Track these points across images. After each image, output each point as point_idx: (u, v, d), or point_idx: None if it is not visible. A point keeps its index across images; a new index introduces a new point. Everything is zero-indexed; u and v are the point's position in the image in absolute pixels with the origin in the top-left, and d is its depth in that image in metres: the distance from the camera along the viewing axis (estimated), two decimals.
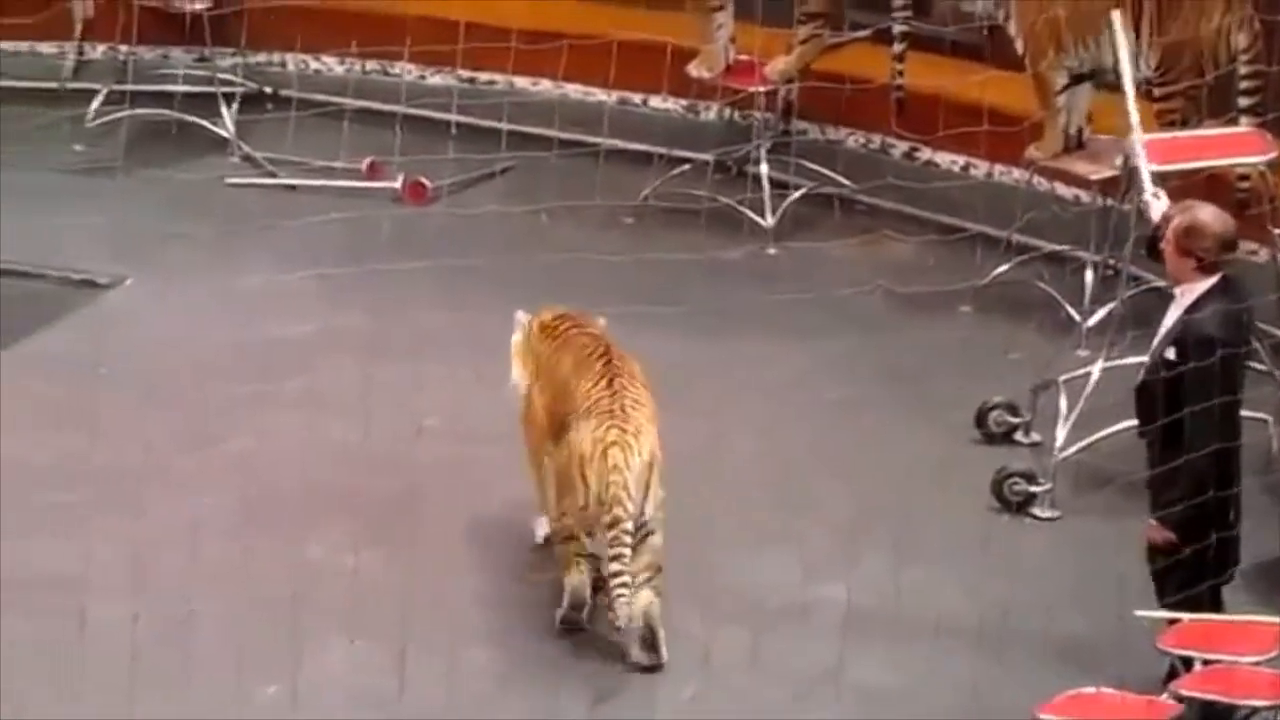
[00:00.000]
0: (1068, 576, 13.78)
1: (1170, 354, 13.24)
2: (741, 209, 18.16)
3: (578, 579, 14.43)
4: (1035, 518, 14.34)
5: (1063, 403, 14.81)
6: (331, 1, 20.90)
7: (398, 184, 19.63)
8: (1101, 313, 15.80)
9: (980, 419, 15.18)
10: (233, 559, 13.66)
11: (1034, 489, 14.44)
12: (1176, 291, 13.43)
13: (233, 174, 19.99)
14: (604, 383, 14.73)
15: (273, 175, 20.03)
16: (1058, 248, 17.11)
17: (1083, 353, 15.37)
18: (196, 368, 16.28)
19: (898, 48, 18.83)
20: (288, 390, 16.05)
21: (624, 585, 13.84)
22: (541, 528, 15.05)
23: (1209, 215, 13.40)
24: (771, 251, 17.89)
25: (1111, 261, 16.23)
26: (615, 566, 13.93)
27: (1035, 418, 15.12)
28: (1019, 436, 15.12)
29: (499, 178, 19.41)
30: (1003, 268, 17.13)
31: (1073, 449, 14.57)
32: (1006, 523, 14.33)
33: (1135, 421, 13.82)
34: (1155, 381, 13.19)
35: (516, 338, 15.59)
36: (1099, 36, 16.86)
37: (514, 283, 17.14)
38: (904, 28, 18.79)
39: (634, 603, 14.04)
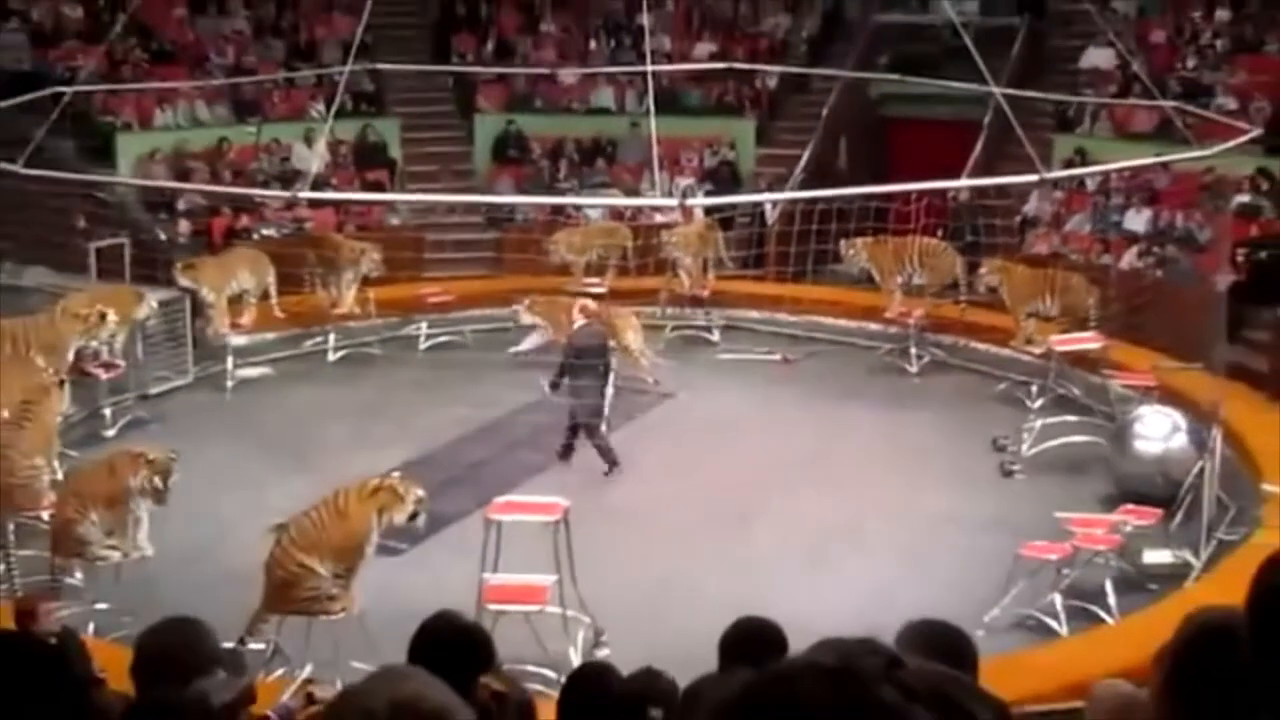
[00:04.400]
0: (1025, 496, 13.75)
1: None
2: (907, 367, 17.71)
3: None
4: (1014, 477, 14.42)
5: (1026, 435, 14.86)
6: None
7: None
8: (1039, 402, 15.85)
9: (994, 442, 15.09)
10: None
11: (1015, 468, 14.55)
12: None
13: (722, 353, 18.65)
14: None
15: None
16: (1022, 378, 16.73)
17: (1033, 417, 15.23)
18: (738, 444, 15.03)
19: (964, 303, 18.40)
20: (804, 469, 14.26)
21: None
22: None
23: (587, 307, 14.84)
24: (916, 381, 17.47)
25: (1042, 383, 16.20)
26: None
27: (1014, 441, 14.92)
28: (1010, 448, 14.90)
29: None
30: (1002, 385, 16.91)
31: (1029, 452, 14.71)
32: (1004, 481, 14.42)
33: (1058, 441, 14.71)
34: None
35: (524, 313, 16.90)
36: (1040, 299, 17.05)
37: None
38: (965, 296, 18.37)
39: None
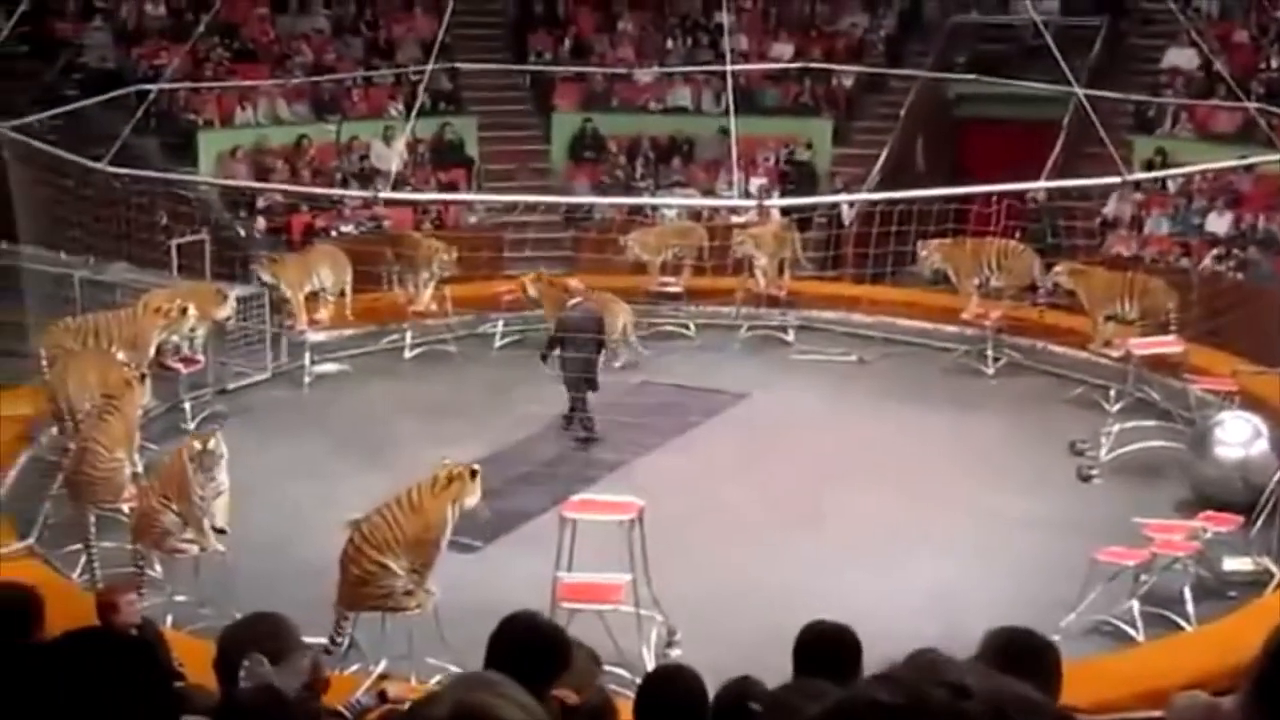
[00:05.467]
0: (1102, 501, 13.66)
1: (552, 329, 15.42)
2: (983, 368, 17.50)
3: None
4: (1091, 482, 14.30)
5: (1103, 439, 14.75)
6: None
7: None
8: (1118, 406, 15.59)
9: (1071, 445, 14.96)
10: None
11: (1093, 472, 14.43)
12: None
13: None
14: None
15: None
16: (1101, 381, 16.41)
17: (1111, 422, 15.04)
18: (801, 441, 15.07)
19: (1042, 305, 18.36)
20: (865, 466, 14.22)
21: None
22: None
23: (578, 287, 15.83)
24: (993, 383, 17.27)
25: (1121, 387, 15.97)
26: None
27: (1092, 445, 14.78)
28: (1088, 452, 14.76)
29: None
30: (1079, 389, 16.59)
31: (1107, 456, 14.62)
32: (1080, 485, 14.31)
33: (1136, 446, 14.52)
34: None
35: (530, 286, 17.32)
36: (1118, 302, 16.79)
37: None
38: (1044, 298, 18.35)
39: None
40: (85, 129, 16.35)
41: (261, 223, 20.20)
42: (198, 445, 11.27)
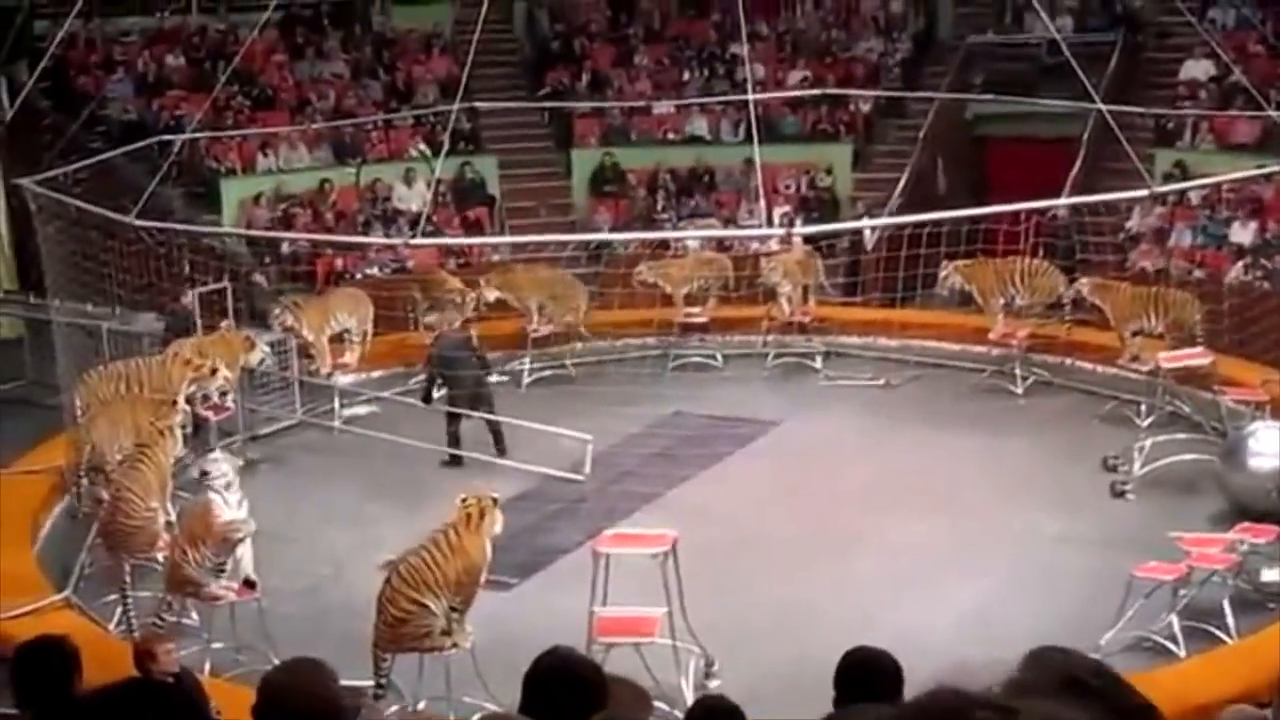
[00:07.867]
0: (1138, 516, 13.57)
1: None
2: (1012, 388, 17.34)
3: None
4: (1126, 498, 14.20)
5: (1136, 454, 14.58)
6: None
7: None
8: (1149, 420, 15.52)
9: (1104, 461, 14.82)
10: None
11: (1125, 487, 14.31)
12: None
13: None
14: None
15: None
16: (1130, 396, 16.25)
17: (1143, 436, 14.89)
18: (831, 467, 15.10)
19: (1069, 322, 18.02)
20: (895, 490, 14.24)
21: None
22: None
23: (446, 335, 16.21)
24: (1021, 403, 17.15)
25: (1151, 400, 15.89)
26: None
27: (1125, 460, 14.61)
28: (1121, 468, 14.61)
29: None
30: (1109, 405, 16.43)
31: (1140, 471, 14.46)
32: (1115, 501, 14.18)
33: (1169, 460, 14.48)
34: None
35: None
36: (1144, 316, 16.78)
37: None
38: (1070, 315, 18.05)
39: None
40: (110, 181, 16.42)
41: (259, 278, 19.89)
42: (207, 456, 11.42)
